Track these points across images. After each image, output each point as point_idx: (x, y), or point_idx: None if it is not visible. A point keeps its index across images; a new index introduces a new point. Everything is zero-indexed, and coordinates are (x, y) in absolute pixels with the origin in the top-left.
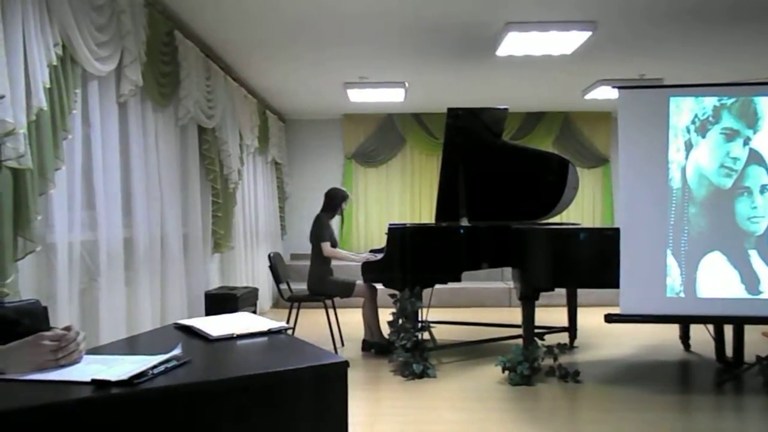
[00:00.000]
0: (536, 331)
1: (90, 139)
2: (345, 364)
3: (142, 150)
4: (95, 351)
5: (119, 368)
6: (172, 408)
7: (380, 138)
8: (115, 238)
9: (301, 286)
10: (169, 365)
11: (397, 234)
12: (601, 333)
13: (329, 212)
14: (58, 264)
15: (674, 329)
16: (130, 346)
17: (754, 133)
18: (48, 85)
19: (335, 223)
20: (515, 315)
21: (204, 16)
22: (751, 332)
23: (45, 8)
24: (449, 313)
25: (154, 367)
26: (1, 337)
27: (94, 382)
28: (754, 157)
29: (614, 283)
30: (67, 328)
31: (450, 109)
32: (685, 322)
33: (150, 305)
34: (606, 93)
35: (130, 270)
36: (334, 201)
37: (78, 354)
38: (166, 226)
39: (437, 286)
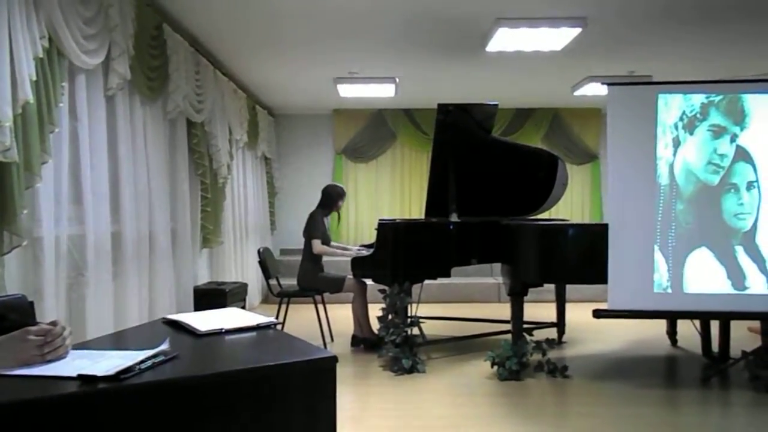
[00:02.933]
0: (525, 326)
1: (77, 133)
2: (334, 359)
3: (130, 144)
4: (82, 346)
5: (106, 363)
6: (160, 403)
7: (370, 133)
8: (102, 233)
9: (290, 282)
10: (156, 360)
11: (386, 229)
12: (589, 328)
13: (325, 209)
14: (44, 258)
15: (661, 324)
16: (118, 341)
17: (741, 130)
18: (34, 78)
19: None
20: (504, 310)
21: (193, 10)
22: (737, 327)
23: (31, 0)
24: (438, 308)
25: (142, 362)
26: None
27: (81, 377)
28: (741, 154)
29: (602, 279)
30: (53, 323)
31: (440, 105)
32: (672, 317)
33: (138, 300)
34: (595, 89)
35: (118, 265)
36: (330, 199)
37: (64, 349)
38: (154, 221)
39: (427, 281)
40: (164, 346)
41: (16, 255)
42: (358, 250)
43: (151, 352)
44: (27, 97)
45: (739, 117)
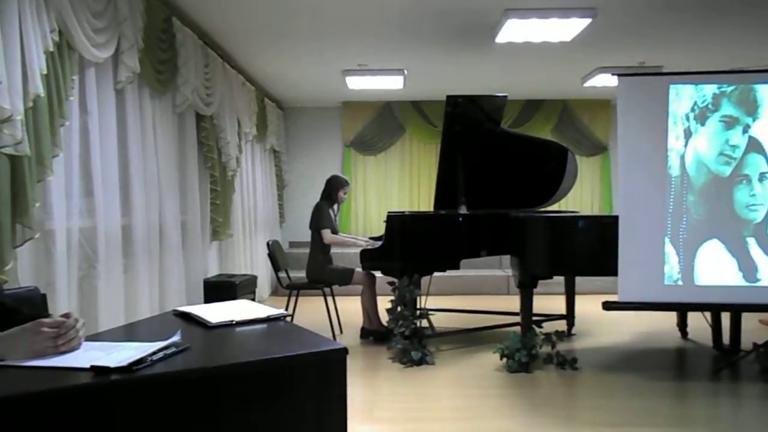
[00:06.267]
0: (534, 318)
1: (87, 126)
2: (344, 351)
3: (140, 137)
4: (94, 338)
5: (118, 355)
6: (171, 394)
7: (379, 126)
8: (113, 226)
9: (299, 274)
10: (168, 352)
11: (395, 222)
12: (599, 320)
13: (327, 200)
14: (56, 251)
15: (672, 317)
16: (129, 332)
17: (754, 120)
18: (45, 72)
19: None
20: (513, 303)
21: (202, 3)
22: (748, 320)
23: None
24: (447, 300)
25: (153, 353)
26: None
27: (94, 368)
28: (753, 145)
29: (612, 271)
30: (66, 315)
31: (449, 97)
32: (682, 309)
33: (148, 292)
34: (605, 80)
35: (129, 257)
36: (331, 189)
37: (77, 341)
38: (164, 214)
39: (436, 273)
40: (176, 338)
41: (28, 248)
42: (367, 241)
43: (162, 344)
44: (38, 91)
45: (752, 107)
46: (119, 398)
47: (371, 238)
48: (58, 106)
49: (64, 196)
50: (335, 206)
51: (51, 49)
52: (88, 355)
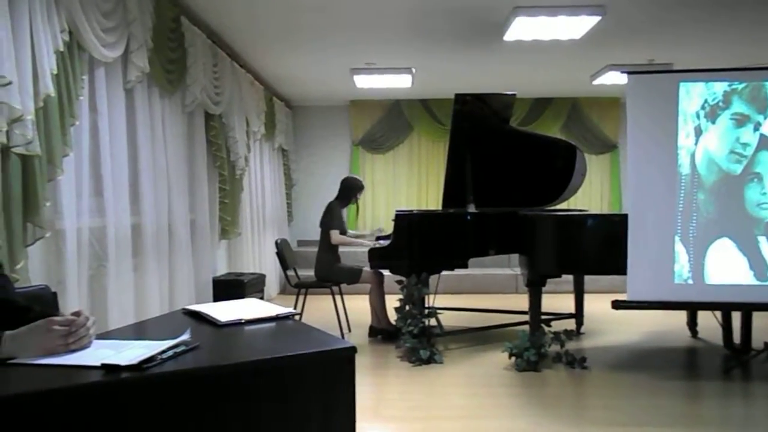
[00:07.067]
0: (543, 317)
1: (97, 126)
2: (353, 350)
3: (150, 136)
4: (104, 336)
5: (129, 353)
6: (181, 392)
7: (387, 124)
8: (123, 224)
9: (308, 273)
10: (178, 350)
11: (404, 220)
12: (608, 319)
13: (342, 201)
14: (66, 250)
15: (682, 316)
16: (139, 331)
17: (765, 118)
18: (55, 72)
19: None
20: (522, 301)
21: (211, 2)
22: (759, 319)
23: None
24: (456, 299)
25: (163, 351)
26: (11, 322)
27: (104, 366)
28: (765, 143)
29: (622, 270)
30: (77, 314)
31: (457, 95)
32: (692, 308)
33: (158, 291)
34: (615, 78)
35: (138, 256)
36: (349, 192)
37: (88, 339)
38: (173, 213)
39: (444, 272)
40: (185, 336)
41: (39, 246)
42: (375, 237)
43: (172, 342)
44: (48, 91)
45: (763, 105)
46: (129, 396)
47: (378, 238)
48: (68, 106)
49: (75, 195)
50: (349, 206)
51: (61, 49)
52: (98, 354)
